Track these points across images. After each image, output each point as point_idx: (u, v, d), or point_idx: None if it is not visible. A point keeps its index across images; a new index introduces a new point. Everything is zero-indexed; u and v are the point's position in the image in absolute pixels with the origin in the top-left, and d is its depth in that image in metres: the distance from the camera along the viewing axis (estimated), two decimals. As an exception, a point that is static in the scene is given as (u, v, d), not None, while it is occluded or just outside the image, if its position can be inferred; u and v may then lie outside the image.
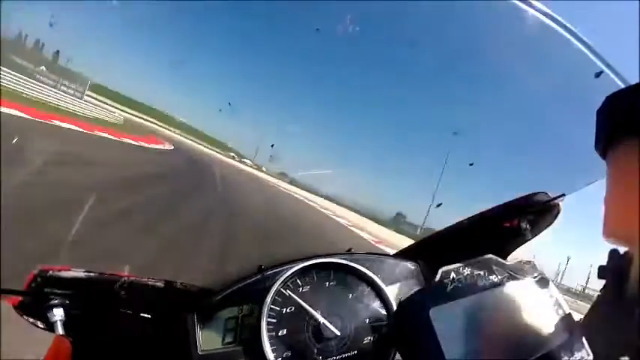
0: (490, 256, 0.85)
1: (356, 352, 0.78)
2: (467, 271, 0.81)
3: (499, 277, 0.83)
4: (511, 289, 0.82)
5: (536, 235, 0.96)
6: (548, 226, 0.96)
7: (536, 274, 0.86)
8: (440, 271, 0.81)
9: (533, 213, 0.93)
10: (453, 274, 0.80)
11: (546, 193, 0.91)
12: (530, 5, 0.88)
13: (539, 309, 0.80)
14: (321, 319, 0.79)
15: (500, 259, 0.86)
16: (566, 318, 0.79)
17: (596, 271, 0.61)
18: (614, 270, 0.55)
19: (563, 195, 0.90)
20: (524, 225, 0.94)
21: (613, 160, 0.44)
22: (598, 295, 0.62)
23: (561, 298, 0.83)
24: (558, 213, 0.93)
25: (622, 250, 0.53)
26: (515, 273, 0.85)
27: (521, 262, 0.88)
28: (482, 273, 0.82)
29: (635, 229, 0.39)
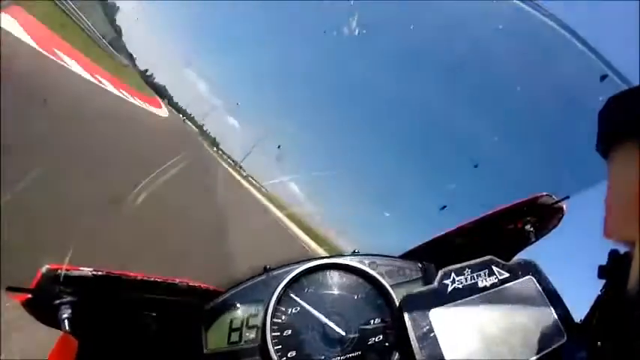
0: (490, 257, 0.88)
1: (360, 352, 0.83)
2: (467, 272, 0.85)
3: (499, 278, 0.86)
4: (511, 289, 0.86)
5: (540, 237, 0.99)
6: (553, 228, 0.97)
7: (536, 274, 0.88)
8: (440, 272, 0.84)
9: (537, 215, 0.95)
10: (453, 275, 0.83)
11: (550, 195, 0.92)
12: (537, 9, 0.91)
13: (539, 309, 0.83)
14: (326, 320, 0.82)
15: (500, 260, 0.88)
16: (567, 318, 0.81)
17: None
18: (614, 270, 0.58)
19: (568, 197, 0.92)
20: (528, 228, 0.96)
21: (614, 161, 0.46)
22: (598, 295, 0.65)
23: (561, 298, 0.85)
24: (563, 215, 0.94)
25: (622, 250, 0.55)
26: (515, 273, 0.87)
27: (521, 262, 0.90)
28: (482, 274, 0.85)
29: (635, 229, 0.41)
